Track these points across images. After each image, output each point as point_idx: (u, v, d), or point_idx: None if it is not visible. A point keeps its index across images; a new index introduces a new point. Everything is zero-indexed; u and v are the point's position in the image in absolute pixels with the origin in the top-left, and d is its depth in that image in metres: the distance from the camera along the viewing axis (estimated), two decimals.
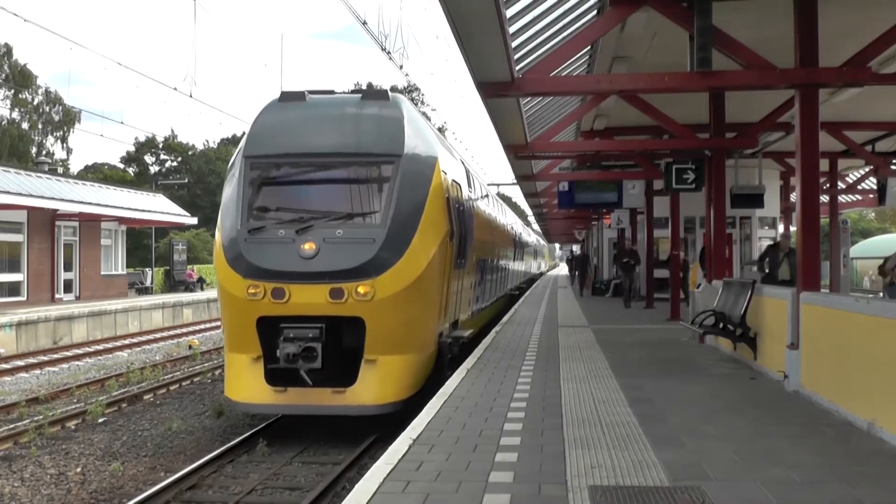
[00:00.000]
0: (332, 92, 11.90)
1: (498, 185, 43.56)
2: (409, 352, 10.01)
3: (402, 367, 9.86)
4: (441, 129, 38.59)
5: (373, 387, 9.64)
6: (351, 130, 10.56)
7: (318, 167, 10.58)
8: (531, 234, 49.38)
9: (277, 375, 9.76)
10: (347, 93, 11.76)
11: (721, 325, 11.37)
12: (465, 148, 76.84)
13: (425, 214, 10.11)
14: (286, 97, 11.21)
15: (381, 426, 9.93)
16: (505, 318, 18.87)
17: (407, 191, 10.06)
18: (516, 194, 48.13)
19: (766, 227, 26.43)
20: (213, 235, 11.86)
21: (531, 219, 59.51)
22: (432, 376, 10.71)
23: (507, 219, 27.04)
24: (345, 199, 10.19)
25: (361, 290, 9.50)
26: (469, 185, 14.54)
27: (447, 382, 9.39)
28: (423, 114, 12.37)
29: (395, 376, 9.75)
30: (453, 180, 12.04)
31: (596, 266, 39.29)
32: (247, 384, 9.85)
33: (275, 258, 9.68)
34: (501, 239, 22.79)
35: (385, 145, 10.32)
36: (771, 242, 17.94)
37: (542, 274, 62.34)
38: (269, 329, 9.70)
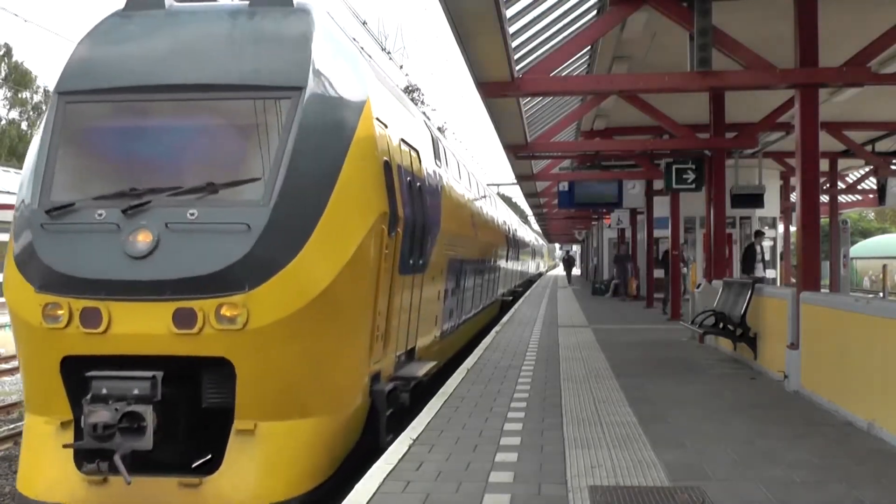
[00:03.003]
0: None
1: (498, 185, 43.59)
2: (314, 413, 6.34)
3: (301, 439, 6.25)
4: (441, 129, 38.46)
5: (249, 475, 6.01)
6: (225, 51, 6.85)
7: (166, 109, 6.77)
8: (528, 232, 47.84)
9: (95, 454, 5.94)
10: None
11: (721, 325, 11.37)
12: (465, 148, 76.93)
13: (342, 184, 6.51)
14: (135, 4, 7.29)
15: None
16: (505, 319, 18.87)
17: (310, 145, 6.45)
18: (516, 194, 48.17)
19: (767, 227, 26.44)
20: None
21: (531, 218, 59.54)
22: (362, 443, 7.16)
23: (499, 211, 22.88)
24: (204, 159, 6.62)
25: (227, 311, 5.93)
26: (436, 158, 10.87)
27: (447, 383, 9.33)
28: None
29: (288, 456, 6.17)
30: (403, 141, 8.50)
31: (596, 266, 39.42)
32: (46, 469, 6.19)
33: (87, 258, 6.12)
34: (489, 234, 18.65)
35: (277, 73, 6.66)
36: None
37: (540, 275, 62.08)
38: (83, 376, 6.02)
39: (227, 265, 5.98)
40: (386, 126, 7.78)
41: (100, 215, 6.22)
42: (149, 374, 5.87)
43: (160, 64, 6.83)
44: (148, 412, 5.78)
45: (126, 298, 6.00)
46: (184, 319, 5.98)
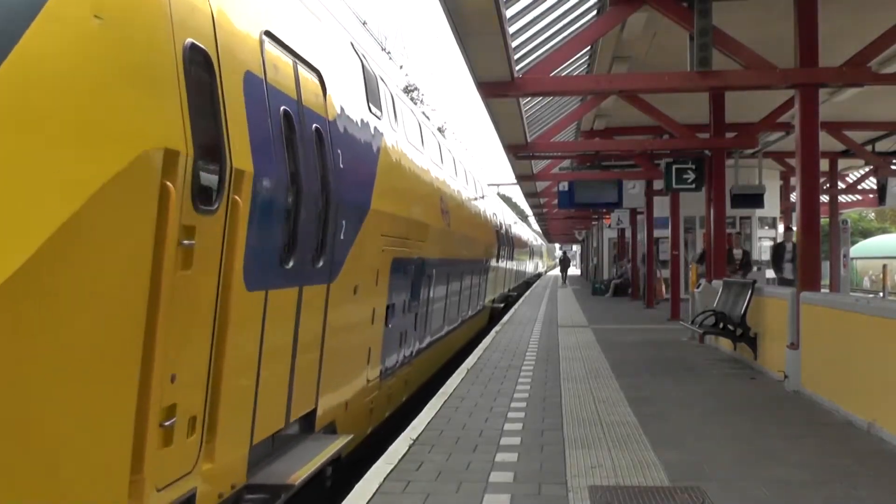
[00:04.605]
0: None
1: (498, 184, 43.60)
2: None
3: None
4: (441, 129, 38.25)
5: None
6: None
7: None
8: (526, 228, 46.66)
9: None
10: None
11: (721, 325, 11.37)
12: (465, 148, 76.98)
13: (18, 70, 2.93)
14: None
15: None
16: (505, 319, 18.86)
17: None
18: (516, 194, 48.18)
19: (766, 227, 26.48)
20: None
21: (531, 218, 59.56)
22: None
23: (488, 202, 20.04)
24: None
25: None
26: (371, 103, 7.52)
27: (447, 382, 9.33)
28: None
29: None
30: (271, 38, 5.05)
31: (596, 266, 39.45)
32: None
33: None
34: (473, 227, 15.40)
35: None
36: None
37: (539, 276, 61.76)
38: None
39: None
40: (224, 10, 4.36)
41: None
42: None
43: None
44: None
45: None
46: None
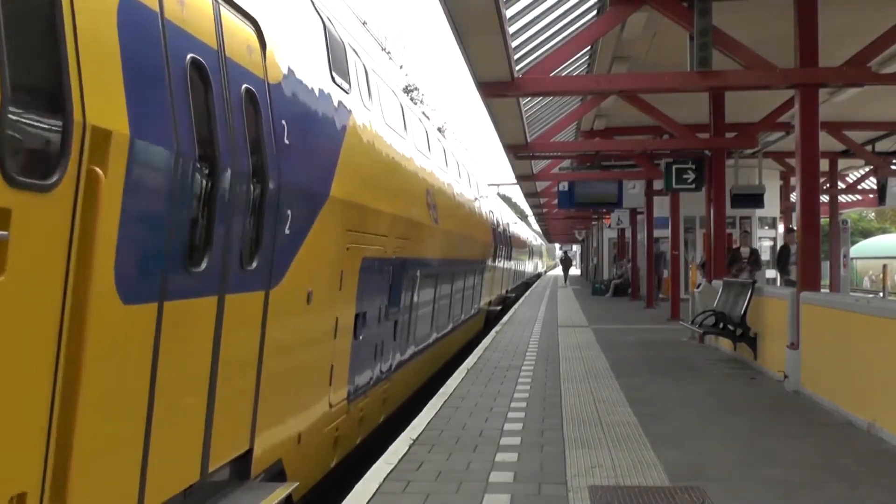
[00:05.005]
0: None
1: (498, 184, 43.62)
2: None
3: None
4: (441, 129, 38.16)
5: None
6: None
7: None
8: (524, 228, 46.11)
9: None
10: None
11: (721, 325, 11.38)
12: (466, 148, 77.05)
13: None
14: None
15: None
16: (505, 319, 18.86)
17: None
18: (516, 194, 48.20)
19: (766, 227, 26.49)
20: None
21: (531, 218, 59.59)
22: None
23: (482, 198, 18.83)
24: None
25: None
26: (336, 71, 6.48)
27: (447, 382, 9.33)
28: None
29: None
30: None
31: (596, 266, 39.49)
32: None
33: None
34: (465, 224, 14.27)
35: None
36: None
37: (539, 276, 61.63)
38: None
39: None
40: None
41: None
42: None
43: None
44: None
45: None
46: None
